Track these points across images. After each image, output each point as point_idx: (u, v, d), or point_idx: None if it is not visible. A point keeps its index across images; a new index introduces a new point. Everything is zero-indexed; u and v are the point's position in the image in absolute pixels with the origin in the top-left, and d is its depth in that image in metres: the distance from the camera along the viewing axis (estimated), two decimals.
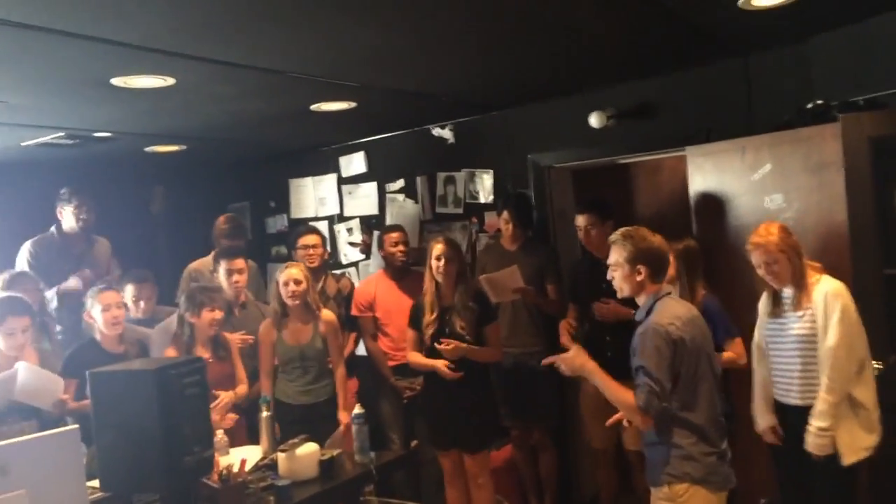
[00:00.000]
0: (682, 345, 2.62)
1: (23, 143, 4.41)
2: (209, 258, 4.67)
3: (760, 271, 3.19)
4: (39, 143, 4.43)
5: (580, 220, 4.21)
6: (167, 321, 4.05)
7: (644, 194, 5.37)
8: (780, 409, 3.24)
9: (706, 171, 4.09)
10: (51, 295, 4.40)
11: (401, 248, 4.65)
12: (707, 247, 4.07)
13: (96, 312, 3.75)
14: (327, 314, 4.15)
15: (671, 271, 3.41)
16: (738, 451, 3.00)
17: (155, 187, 6.14)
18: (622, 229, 2.83)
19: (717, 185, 4.05)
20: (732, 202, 3.93)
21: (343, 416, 3.98)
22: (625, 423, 2.92)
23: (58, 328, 4.42)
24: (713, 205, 3.99)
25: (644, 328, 2.67)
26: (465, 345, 3.83)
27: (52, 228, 4.66)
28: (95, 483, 2.68)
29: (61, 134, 4.30)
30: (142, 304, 4.21)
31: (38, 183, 5.04)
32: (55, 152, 4.68)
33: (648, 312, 2.72)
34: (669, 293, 2.79)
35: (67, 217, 4.62)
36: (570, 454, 4.70)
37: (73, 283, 4.42)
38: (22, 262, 4.54)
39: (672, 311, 2.70)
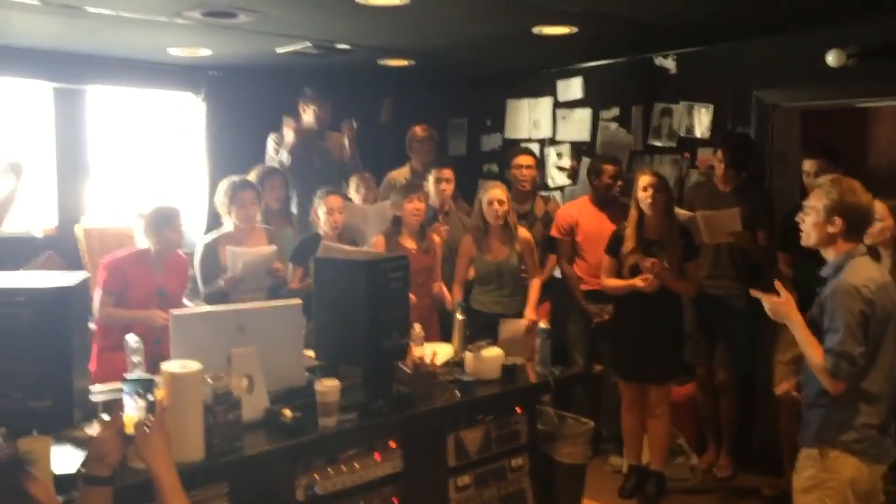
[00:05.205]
0: (871, 308, 2.49)
1: (277, 50, 4.92)
2: (406, 168, 5.08)
3: None
4: (290, 52, 4.92)
5: (808, 165, 4.03)
6: (383, 204, 4.50)
7: (882, 142, 4.93)
8: None
9: None
10: (284, 156, 5.01)
11: (620, 183, 4.64)
12: None
13: (321, 213, 4.26)
14: (523, 232, 4.35)
15: (886, 232, 3.20)
16: None
17: (385, 99, 6.57)
18: (833, 175, 2.69)
19: None
20: None
21: (529, 314, 4.22)
22: (794, 394, 2.84)
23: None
24: None
25: (834, 288, 2.55)
26: (665, 265, 3.90)
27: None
28: (311, 353, 3.11)
29: (308, 44, 4.74)
30: (363, 191, 4.73)
31: (285, 88, 5.61)
32: (302, 60, 5.17)
33: (838, 271, 2.58)
34: (865, 253, 2.62)
35: (308, 113, 5.17)
36: (757, 400, 4.61)
37: (288, 136, 4.99)
38: (269, 150, 5.17)
39: (866, 272, 2.55)
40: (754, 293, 2.77)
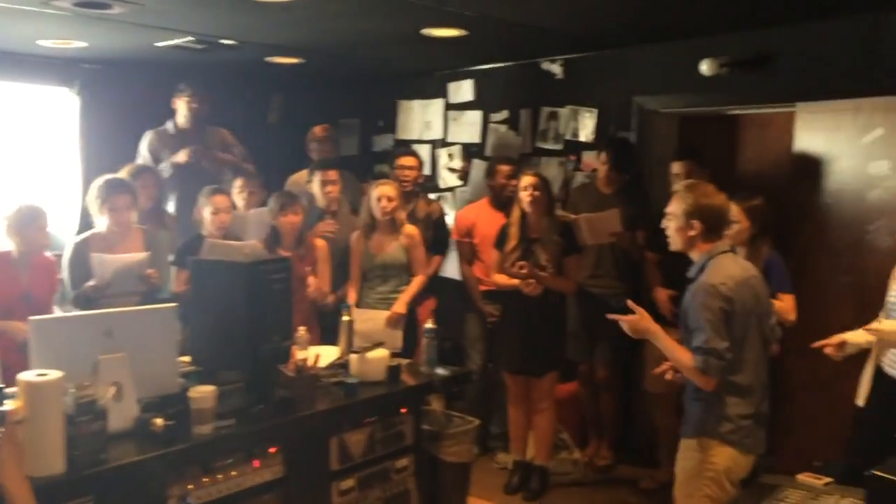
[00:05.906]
0: (730, 305, 2.60)
1: (156, 44, 4.72)
2: (306, 171, 4.97)
3: None
4: (171, 46, 4.73)
5: (677, 167, 4.18)
6: (263, 210, 4.37)
7: (750, 149, 5.20)
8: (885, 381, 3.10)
9: (814, 129, 3.96)
10: (165, 167, 4.84)
11: (514, 182, 4.70)
12: (802, 208, 3.97)
13: (206, 213, 4.12)
14: (410, 228, 4.36)
15: (742, 233, 3.37)
16: (789, 415, 2.97)
17: (273, 97, 6.42)
18: (687, 181, 2.82)
19: (824, 146, 3.91)
20: (835, 165, 3.81)
21: (396, 306, 4.20)
22: (668, 375, 2.94)
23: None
24: (815, 165, 3.87)
25: (695, 288, 2.66)
26: (538, 270, 3.98)
27: (170, 123, 5.06)
28: (187, 359, 2.99)
29: (191, 38, 4.58)
30: (246, 193, 4.61)
31: (166, 83, 5.39)
32: (184, 55, 4.98)
33: (701, 270, 2.69)
34: (725, 252, 2.75)
35: (181, 108, 5.00)
36: (635, 396, 4.78)
37: (182, 156, 4.84)
38: (143, 149, 4.96)
39: (725, 270, 2.66)
40: (611, 317, 2.82)
